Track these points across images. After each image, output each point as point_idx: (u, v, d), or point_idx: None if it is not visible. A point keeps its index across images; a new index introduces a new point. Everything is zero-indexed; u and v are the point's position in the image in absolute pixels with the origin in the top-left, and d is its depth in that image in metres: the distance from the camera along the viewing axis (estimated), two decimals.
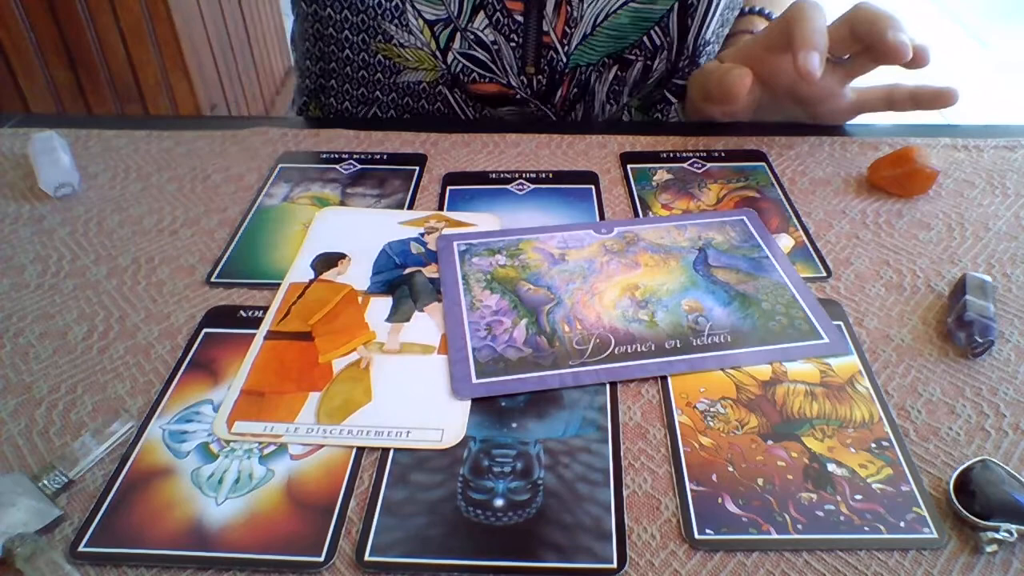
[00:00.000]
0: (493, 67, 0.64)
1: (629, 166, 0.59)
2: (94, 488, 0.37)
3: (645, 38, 0.66)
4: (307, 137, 0.63)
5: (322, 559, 0.34)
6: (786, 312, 0.45)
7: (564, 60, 0.65)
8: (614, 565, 0.33)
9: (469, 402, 0.40)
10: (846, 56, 0.59)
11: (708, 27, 0.67)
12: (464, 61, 0.64)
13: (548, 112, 0.69)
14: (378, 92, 0.69)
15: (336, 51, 0.69)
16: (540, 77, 0.66)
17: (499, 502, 0.36)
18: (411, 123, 0.66)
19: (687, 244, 0.51)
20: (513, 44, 0.64)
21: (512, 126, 0.65)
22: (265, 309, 0.46)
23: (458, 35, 0.63)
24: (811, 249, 0.51)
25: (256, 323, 0.45)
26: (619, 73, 0.68)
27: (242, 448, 0.38)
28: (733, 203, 0.55)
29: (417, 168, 0.59)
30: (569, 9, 0.63)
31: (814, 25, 0.53)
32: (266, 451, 0.38)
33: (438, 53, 0.64)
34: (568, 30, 0.64)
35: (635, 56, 0.67)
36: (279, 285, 0.48)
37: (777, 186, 0.57)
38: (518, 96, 0.67)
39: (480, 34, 0.63)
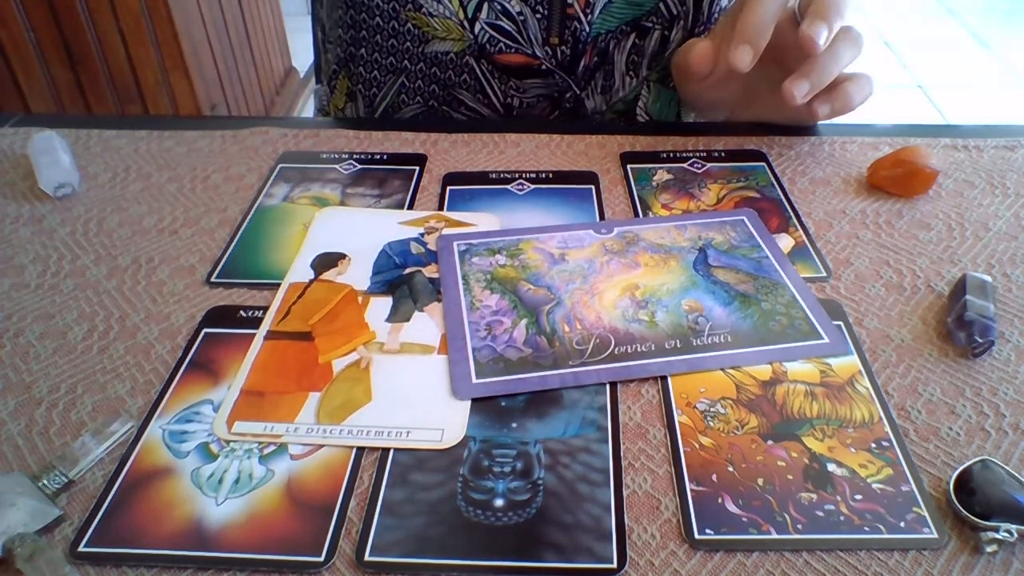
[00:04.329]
0: (519, 37, 0.65)
1: (629, 166, 0.59)
2: (94, 488, 0.37)
3: (661, 5, 0.66)
4: (307, 137, 0.63)
5: (322, 559, 0.34)
6: (786, 312, 0.45)
7: (587, 30, 0.65)
8: (614, 565, 0.33)
9: (469, 402, 0.40)
10: None
11: None
12: (491, 31, 0.65)
13: (571, 83, 0.69)
14: (407, 61, 0.70)
15: (367, 18, 0.70)
16: (564, 48, 0.66)
17: (499, 502, 0.36)
18: (411, 123, 0.66)
19: (687, 244, 0.51)
20: (538, 15, 0.64)
21: (512, 126, 0.65)
22: (265, 309, 0.46)
23: (485, 5, 0.64)
24: (811, 249, 0.51)
25: (256, 323, 0.45)
26: (637, 42, 0.68)
27: (242, 448, 0.38)
28: (733, 203, 0.55)
29: (417, 168, 0.59)
30: None
31: (759, 12, 0.51)
32: (266, 451, 0.38)
33: (465, 23, 0.65)
34: (591, 0, 0.64)
35: (652, 24, 0.67)
36: (279, 285, 0.48)
37: (777, 186, 0.57)
38: (543, 67, 0.67)
39: (506, 4, 0.64)
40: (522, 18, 0.65)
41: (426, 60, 0.68)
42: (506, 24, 0.65)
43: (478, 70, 0.68)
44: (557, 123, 0.71)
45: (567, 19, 0.65)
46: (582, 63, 0.68)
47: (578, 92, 0.70)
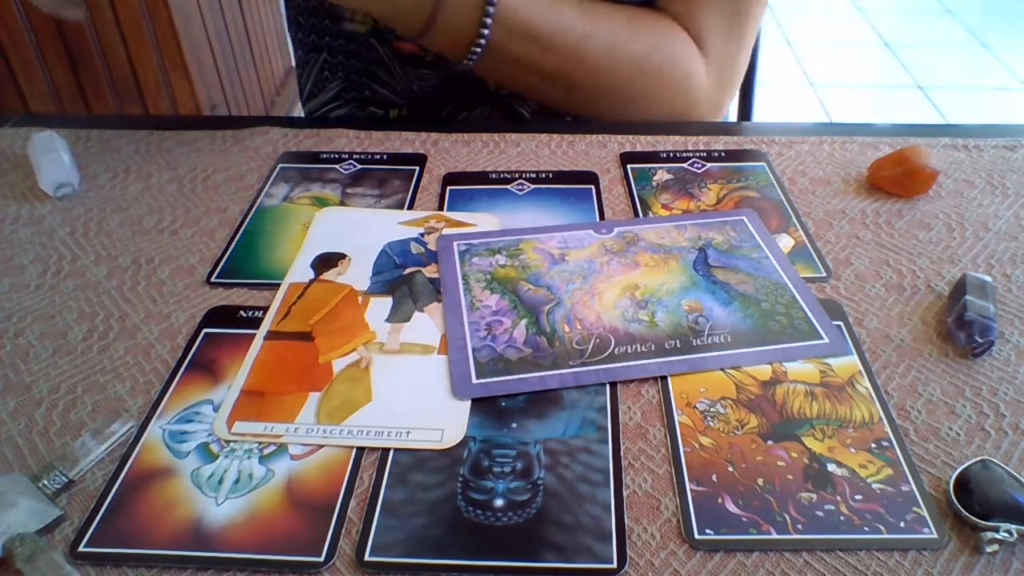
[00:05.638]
0: None
1: (629, 166, 0.59)
2: (94, 488, 0.37)
3: None
4: (307, 137, 0.63)
5: (322, 559, 0.34)
6: (786, 312, 0.45)
7: None
8: (614, 565, 0.33)
9: (469, 402, 0.40)
10: None
11: None
12: None
13: (463, 71, 0.69)
14: (327, 37, 0.70)
15: None
16: None
17: (499, 502, 0.36)
18: (411, 123, 0.66)
19: (687, 244, 0.51)
20: None
21: (512, 126, 0.65)
22: (265, 309, 0.46)
23: None
24: (811, 249, 0.51)
25: (256, 323, 0.45)
26: None
27: (242, 448, 0.38)
28: (733, 203, 0.55)
29: (417, 168, 0.59)
30: None
31: None
32: (266, 451, 0.38)
33: None
34: None
35: None
36: (279, 285, 0.48)
37: (777, 186, 0.57)
38: (428, 58, 0.68)
39: None
40: None
41: (344, 36, 0.69)
42: None
43: (381, 52, 0.68)
44: (557, 123, 0.70)
45: None
46: None
47: (478, 83, 0.70)
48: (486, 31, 0.58)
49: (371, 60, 0.70)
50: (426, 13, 0.57)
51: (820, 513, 0.35)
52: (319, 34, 0.71)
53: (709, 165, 0.59)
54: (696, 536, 0.34)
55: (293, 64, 2.34)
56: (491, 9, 0.57)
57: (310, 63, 0.74)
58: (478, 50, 0.59)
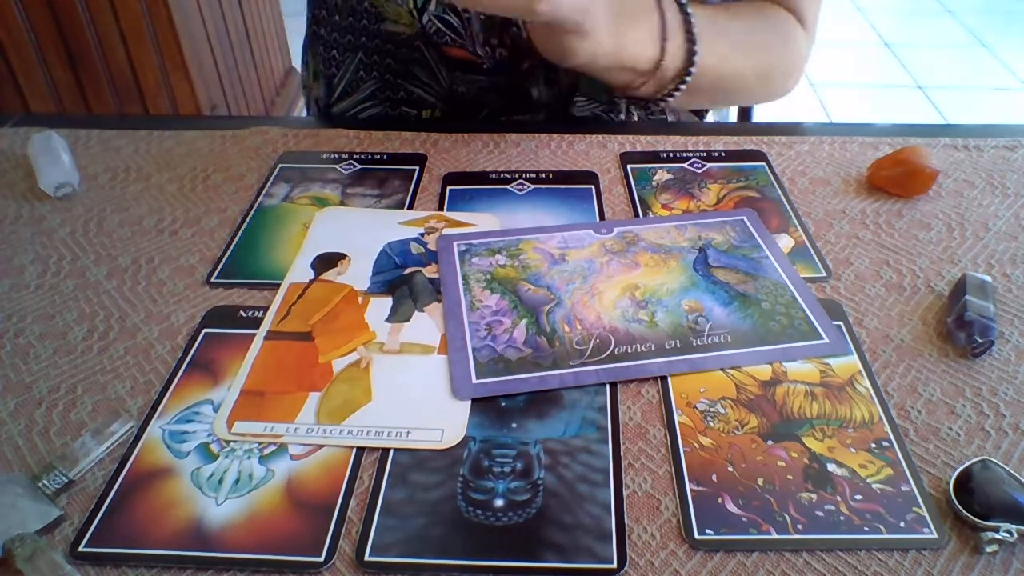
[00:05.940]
0: (463, 33, 0.65)
1: (629, 166, 0.59)
2: (94, 488, 0.37)
3: None
4: (307, 137, 0.63)
5: (322, 559, 0.34)
6: (786, 312, 0.45)
7: (525, 35, 0.66)
8: (614, 565, 0.33)
9: (469, 402, 0.40)
10: None
11: None
12: (437, 23, 0.66)
13: (515, 80, 0.69)
14: (364, 38, 0.71)
15: None
16: (502, 50, 0.67)
17: (499, 502, 0.36)
18: (411, 123, 0.66)
19: (687, 244, 0.51)
20: (483, 15, 0.65)
21: (512, 126, 0.65)
22: (265, 309, 0.46)
23: None
24: (811, 249, 0.51)
25: (256, 323, 0.45)
26: None
27: (242, 448, 0.38)
28: (733, 203, 0.55)
29: (417, 168, 0.59)
30: None
31: None
32: (266, 451, 0.38)
33: (415, 12, 0.66)
34: None
35: None
36: (279, 285, 0.48)
37: (777, 186, 0.57)
38: (485, 66, 0.68)
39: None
40: (467, 15, 0.65)
41: (382, 37, 0.69)
42: (452, 19, 0.65)
43: (427, 55, 0.69)
44: (557, 123, 0.70)
45: (507, 22, 0.65)
46: (526, 64, 0.68)
47: (525, 86, 0.70)
48: (693, 67, 0.59)
49: (410, 60, 0.70)
50: (652, 66, 0.58)
51: (820, 513, 0.35)
52: (356, 34, 0.71)
53: (709, 165, 0.59)
54: (696, 536, 0.34)
55: (293, 64, 2.34)
56: (696, 47, 0.59)
57: (345, 63, 0.73)
58: (686, 82, 0.60)
